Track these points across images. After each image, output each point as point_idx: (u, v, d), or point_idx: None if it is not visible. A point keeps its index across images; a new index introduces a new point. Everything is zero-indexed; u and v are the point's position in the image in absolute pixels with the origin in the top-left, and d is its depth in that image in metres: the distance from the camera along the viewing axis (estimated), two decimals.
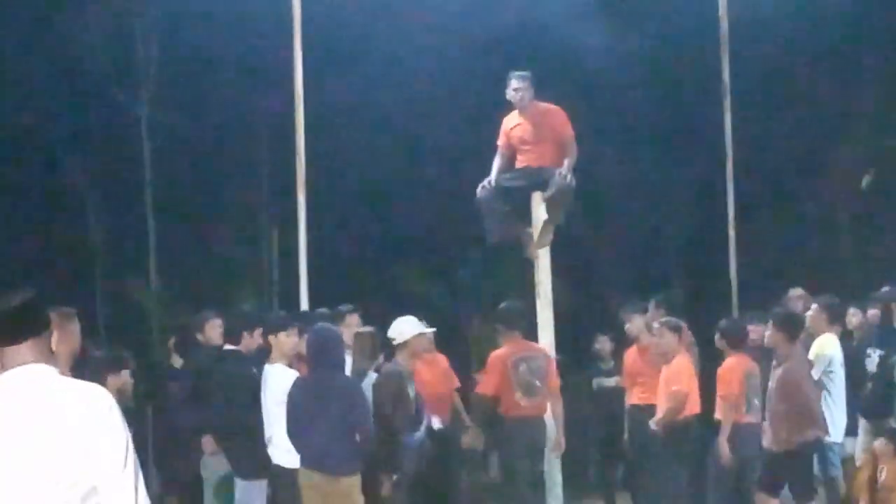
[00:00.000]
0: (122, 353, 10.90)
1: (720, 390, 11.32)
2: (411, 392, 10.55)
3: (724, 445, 11.20)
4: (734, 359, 11.45)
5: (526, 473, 11.15)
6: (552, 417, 11.43)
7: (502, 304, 11.74)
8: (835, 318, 12.43)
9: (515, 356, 11.27)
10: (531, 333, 11.72)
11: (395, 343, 10.66)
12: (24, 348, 4.42)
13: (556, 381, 11.52)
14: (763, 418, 11.29)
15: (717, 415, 11.47)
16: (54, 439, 4.26)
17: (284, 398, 9.62)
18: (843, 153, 21.86)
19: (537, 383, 11.24)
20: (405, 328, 10.68)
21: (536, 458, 11.26)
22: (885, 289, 13.27)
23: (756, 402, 11.40)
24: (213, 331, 11.67)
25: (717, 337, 11.66)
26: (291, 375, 9.91)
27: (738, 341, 11.60)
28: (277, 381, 9.91)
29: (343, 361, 9.93)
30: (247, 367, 10.72)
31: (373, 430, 9.60)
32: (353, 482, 9.48)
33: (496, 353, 11.41)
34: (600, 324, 16.17)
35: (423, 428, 10.75)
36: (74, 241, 22.64)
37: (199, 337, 11.68)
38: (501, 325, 11.62)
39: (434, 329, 11.24)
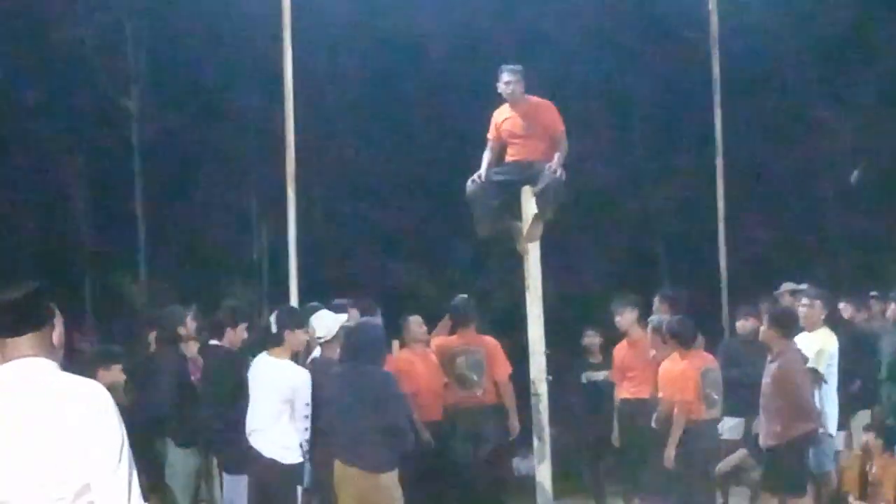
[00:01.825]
0: (113, 348, 10.85)
1: (676, 395, 11.25)
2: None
3: (671, 448, 11.18)
4: (687, 361, 11.38)
5: (465, 458, 11.68)
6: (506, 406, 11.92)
7: (455, 299, 12.30)
8: (829, 312, 12.44)
9: (455, 348, 11.89)
10: (520, 327, 11.73)
11: (322, 341, 10.56)
12: (24, 341, 4.39)
13: (502, 370, 11.93)
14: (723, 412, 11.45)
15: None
16: (49, 434, 4.23)
17: (292, 394, 9.60)
18: (833, 147, 21.86)
19: (474, 377, 11.81)
20: (330, 323, 10.61)
21: (479, 445, 11.74)
22: None
23: (715, 396, 11.39)
24: (192, 325, 11.63)
25: (667, 336, 11.61)
26: (299, 370, 9.87)
27: (689, 340, 11.55)
28: (285, 376, 9.84)
29: (383, 357, 9.97)
30: (232, 361, 10.68)
31: (409, 425, 9.71)
32: (392, 477, 9.52)
33: (437, 343, 12.04)
34: (589, 318, 16.16)
35: None
36: (63, 234, 22.59)
37: (181, 331, 11.54)
38: (452, 319, 12.16)
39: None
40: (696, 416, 11.24)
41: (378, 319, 11.06)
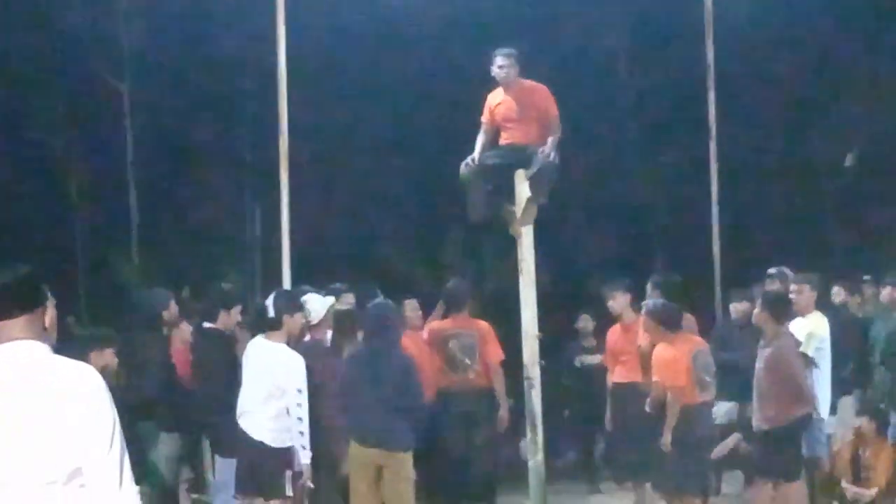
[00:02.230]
0: (105, 331, 10.85)
1: (668, 380, 11.21)
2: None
3: (668, 434, 11.15)
4: (677, 345, 11.34)
5: (458, 440, 11.70)
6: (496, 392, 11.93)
7: (448, 283, 12.35)
8: (821, 296, 12.47)
9: (447, 332, 11.93)
10: (514, 310, 11.74)
11: (311, 323, 10.56)
12: (16, 324, 4.39)
13: (495, 354, 11.90)
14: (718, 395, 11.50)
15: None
16: (40, 417, 4.23)
17: (286, 378, 9.62)
18: (827, 133, 21.86)
19: (466, 360, 11.84)
20: (318, 306, 10.62)
21: (471, 428, 11.75)
22: None
23: (707, 378, 11.37)
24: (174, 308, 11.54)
25: (651, 322, 11.52)
26: (294, 355, 9.84)
27: (673, 324, 11.39)
28: (279, 360, 9.82)
29: (399, 338, 10.07)
30: (225, 344, 10.68)
31: (425, 406, 9.86)
32: (408, 457, 9.71)
33: (431, 328, 12.12)
34: (582, 302, 16.18)
35: None
36: (56, 217, 22.56)
37: (165, 314, 11.47)
38: (445, 303, 12.19)
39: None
40: (689, 401, 11.24)
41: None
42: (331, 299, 10.81)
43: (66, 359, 4.43)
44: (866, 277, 14.85)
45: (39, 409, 4.24)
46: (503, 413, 11.96)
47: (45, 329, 4.47)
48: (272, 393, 9.68)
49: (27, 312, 4.42)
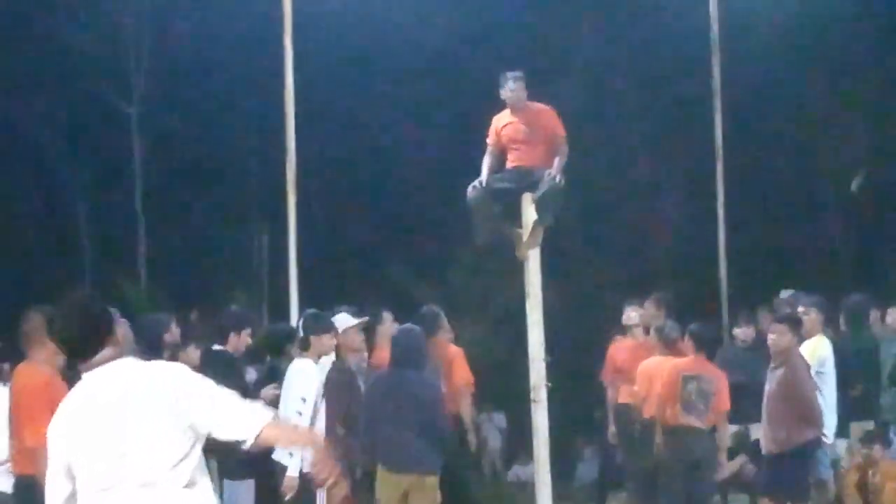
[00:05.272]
0: None
1: (643, 389, 11.45)
2: (362, 386, 10.60)
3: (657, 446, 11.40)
4: (672, 362, 11.62)
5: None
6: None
7: (422, 309, 12.12)
8: (828, 319, 12.47)
9: None
10: (520, 333, 11.74)
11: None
12: (107, 350, 4.97)
13: (459, 378, 11.74)
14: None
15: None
16: (158, 404, 4.92)
17: (308, 394, 9.71)
18: (834, 154, 21.86)
19: None
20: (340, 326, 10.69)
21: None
22: None
23: (702, 406, 11.45)
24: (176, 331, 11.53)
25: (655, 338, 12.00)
26: (302, 362, 9.98)
27: (669, 342, 11.92)
28: (298, 377, 9.91)
29: (426, 362, 10.16)
30: (234, 366, 10.69)
31: (449, 429, 9.98)
32: (435, 481, 9.80)
33: None
34: (590, 324, 16.18)
35: None
36: (64, 237, 22.61)
37: (167, 337, 11.44)
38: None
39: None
40: (671, 422, 11.32)
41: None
42: (354, 320, 10.90)
43: (156, 361, 5.22)
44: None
45: (153, 398, 4.91)
46: (471, 437, 11.93)
47: (122, 344, 5.17)
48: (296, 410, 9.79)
49: (111, 335, 5.01)
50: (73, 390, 5.10)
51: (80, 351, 4.97)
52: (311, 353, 10.07)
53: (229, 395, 5.15)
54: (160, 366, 5.16)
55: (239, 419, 5.09)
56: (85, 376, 5.02)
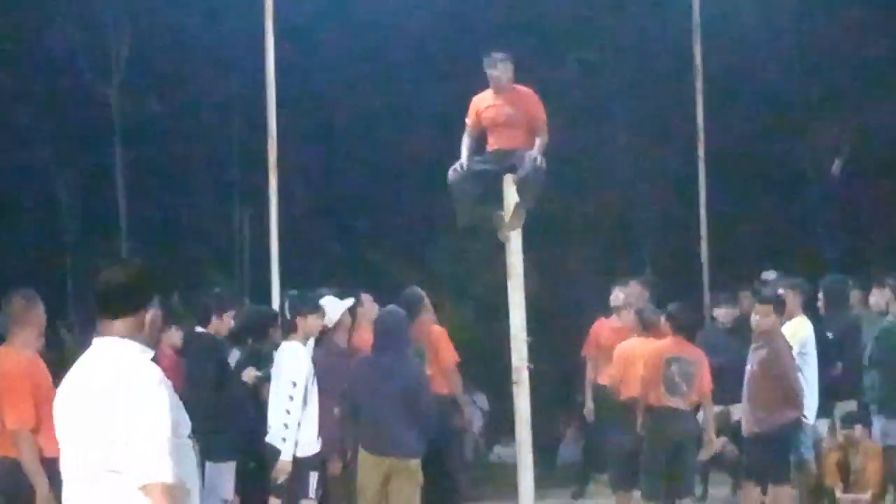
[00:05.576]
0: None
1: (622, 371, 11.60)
2: None
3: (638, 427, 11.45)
4: (654, 345, 11.66)
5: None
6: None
7: (404, 291, 12.06)
8: (809, 301, 12.52)
9: None
10: (502, 314, 11.75)
11: (328, 327, 10.63)
12: (118, 323, 4.71)
13: (447, 358, 11.73)
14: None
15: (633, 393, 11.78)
16: (97, 412, 4.57)
17: (298, 378, 9.67)
18: (815, 135, 21.91)
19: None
20: (330, 309, 10.68)
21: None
22: None
23: (683, 386, 11.48)
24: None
25: (634, 320, 11.99)
26: (290, 345, 9.96)
27: (649, 325, 11.91)
28: (284, 358, 9.91)
29: (408, 345, 10.10)
30: (216, 348, 10.69)
31: (433, 412, 9.92)
32: (418, 464, 9.79)
33: None
34: (572, 305, 16.20)
35: None
36: (44, 221, 22.55)
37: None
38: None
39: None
40: (655, 403, 11.37)
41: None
42: (349, 301, 10.90)
43: (142, 360, 4.73)
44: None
45: (97, 404, 4.59)
46: (466, 413, 12.07)
47: (142, 329, 4.76)
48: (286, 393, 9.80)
49: (129, 315, 4.71)
50: (82, 357, 4.85)
51: (107, 305, 4.71)
52: (298, 335, 10.04)
53: (156, 434, 4.60)
54: (134, 370, 4.69)
55: (140, 460, 4.58)
56: (95, 342, 4.80)
